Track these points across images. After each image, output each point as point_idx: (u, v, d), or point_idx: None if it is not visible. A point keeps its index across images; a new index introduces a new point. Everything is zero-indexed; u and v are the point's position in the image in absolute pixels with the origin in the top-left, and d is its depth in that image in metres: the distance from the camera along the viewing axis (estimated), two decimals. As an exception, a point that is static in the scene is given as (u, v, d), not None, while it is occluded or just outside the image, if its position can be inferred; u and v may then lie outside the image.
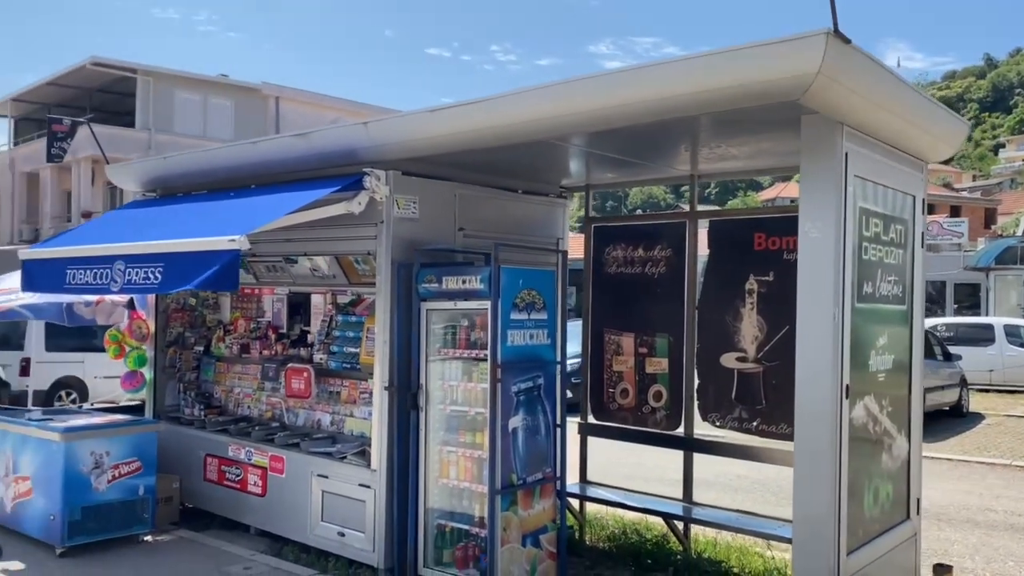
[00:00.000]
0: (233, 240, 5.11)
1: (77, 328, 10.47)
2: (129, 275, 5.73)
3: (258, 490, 6.86)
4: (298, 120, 32.44)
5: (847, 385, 4.51)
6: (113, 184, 17.10)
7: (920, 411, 5.53)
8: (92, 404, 14.81)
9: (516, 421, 5.59)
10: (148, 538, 6.89)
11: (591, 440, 7.25)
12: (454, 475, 5.76)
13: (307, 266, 6.90)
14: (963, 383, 16.10)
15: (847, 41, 3.80)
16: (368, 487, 6.00)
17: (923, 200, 5.53)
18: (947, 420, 15.09)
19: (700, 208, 6.85)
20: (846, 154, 4.45)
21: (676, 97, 4.17)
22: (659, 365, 6.81)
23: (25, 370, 14.61)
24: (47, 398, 14.27)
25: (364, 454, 6.16)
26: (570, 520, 7.27)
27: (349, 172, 5.91)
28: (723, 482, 8.84)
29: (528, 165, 6.58)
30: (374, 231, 5.97)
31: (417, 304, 5.86)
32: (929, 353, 15.20)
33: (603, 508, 7.30)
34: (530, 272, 5.73)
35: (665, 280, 6.76)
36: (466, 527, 5.68)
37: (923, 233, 5.53)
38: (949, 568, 3.56)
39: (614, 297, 7.06)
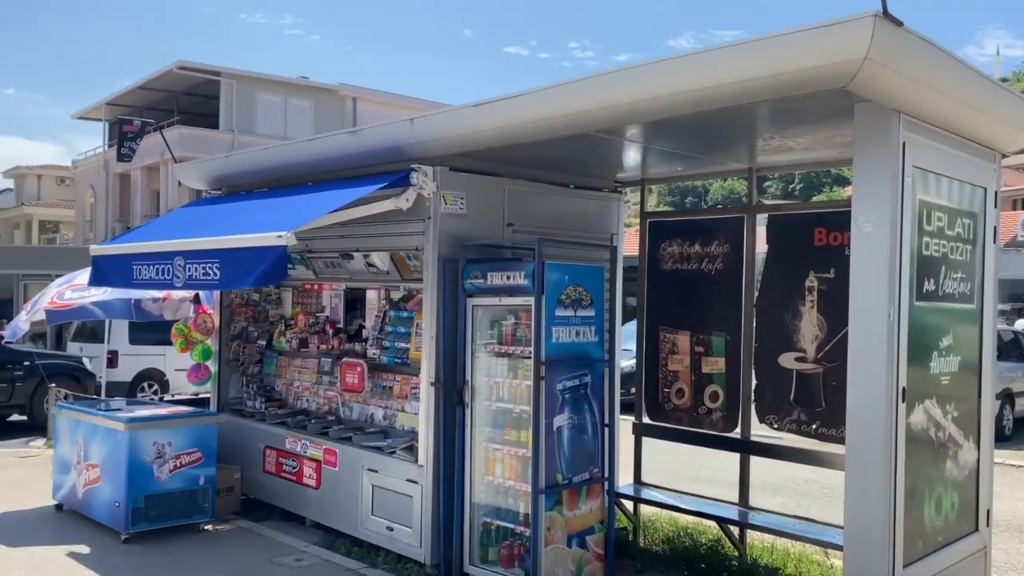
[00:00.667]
0: (281, 236, 5.18)
1: (159, 323, 10.87)
2: (189, 271, 5.88)
3: (313, 482, 6.97)
4: (374, 120, 32.93)
5: (904, 388, 4.26)
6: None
7: (991, 417, 5.21)
8: (172, 396, 15.40)
9: (561, 420, 5.50)
10: (208, 527, 7.07)
11: (651, 441, 7.10)
12: (499, 473, 5.71)
13: (362, 262, 6.96)
14: (1059, 387, 15.19)
15: (899, 24, 3.58)
16: (415, 482, 6.02)
17: (996, 193, 5.19)
18: (1041, 426, 14.29)
19: (760, 203, 6.60)
20: (904, 144, 4.20)
21: (718, 87, 4.01)
22: (716, 365, 6.61)
23: (112, 362, 15.30)
24: (130, 389, 14.89)
25: (412, 449, 6.18)
26: (623, 522, 7.16)
27: (397, 169, 5.93)
28: (791, 486, 8.54)
29: (579, 159, 6.48)
30: (422, 227, 5.98)
31: (463, 300, 5.82)
32: (1021, 356, 14.43)
33: (659, 510, 7.14)
34: (577, 268, 5.63)
35: (722, 277, 6.56)
36: (511, 526, 5.63)
37: (996, 228, 5.19)
38: None
39: (669, 294, 6.88)
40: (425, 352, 6.00)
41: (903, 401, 4.27)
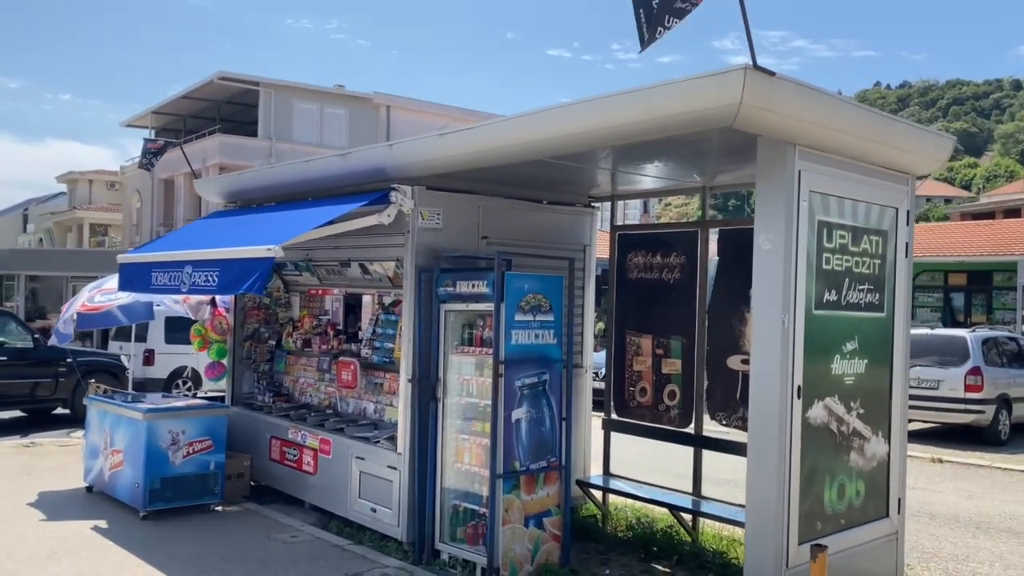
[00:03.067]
0: (270, 249, 5.94)
1: (194, 322, 11.77)
2: (194, 278, 6.68)
3: (310, 469, 7.73)
4: (407, 128, 33.95)
5: (799, 386, 4.85)
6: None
7: (903, 415, 5.74)
8: (205, 392, 16.37)
9: (520, 413, 6.16)
10: (218, 508, 7.87)
11: (622, 435, 7.70)
12: (467, 460, 6.39)
13: (358, 270, 7.69)
14: (1060, 393, 15.38)
15: (771, 74, 4.18)
16: (395, 468, 6.73)
17: (908, 212, 5.73)
18: (1039, 432, 14.55)
19: (711, 218, 7.19)
20: (799, 172, 4.80)
21: (628, 125, 4.66)
22: (673, 366, 7.21)
23: (148, 360, 16.36)
24: (166, 386, 15.89)
25: (394, 439, 6.89)
26: (592, 509, 7.80)
27: (380, 188, 6.65)
28: (740, 478, 9.06)
29: (553, 179, 7.13)
30: (403, 240, 6.69)
31: (437, 305, 6.52)
32: (1017, 360, 14.66)
33: (628, 499, 7.74)
34: (536, 277, 6.29)
35: (679, 285, 7.16)
36: (476, 507, 6.30)
37: (908, 244, 5.73)
38: (822, 547, 3.86)
39: (635, 301, 7.50)
40: (403, 352, 6.72)
41: (799, 398, 4.86)
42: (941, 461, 11.87)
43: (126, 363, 15.21)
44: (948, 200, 79.28)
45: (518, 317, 6.13)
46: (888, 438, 5.63)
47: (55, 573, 6.02)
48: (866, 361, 5.42)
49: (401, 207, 6.54)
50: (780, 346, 4.74)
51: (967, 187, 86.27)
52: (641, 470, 7.87)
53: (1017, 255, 28.16)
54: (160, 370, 16.07)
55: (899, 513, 5.72)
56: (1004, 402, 13.50)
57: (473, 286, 6.23)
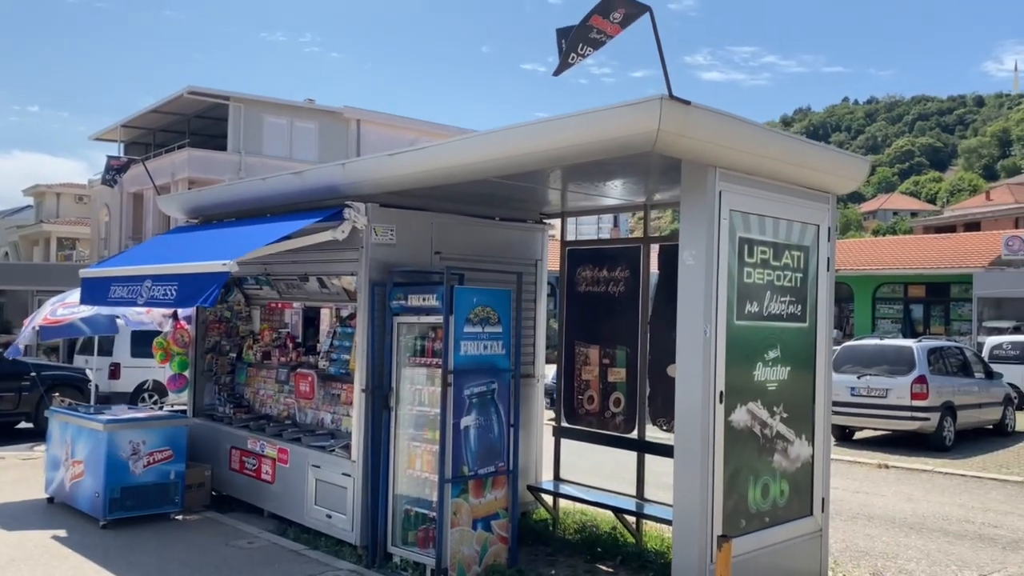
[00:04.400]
0: (225, 264, 6.19)
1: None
2: (152, 291, 6.90)
3: (269, 478, 7.94)
4: (377, 142, 34.23)
5: (721, 391, 5.19)
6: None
7: (825, 419, 6.10)
8: (172, 405, 16.46)
9: (468, 420, 6.45)
10: (179, 517, 8.05)
11: (573, 442, 7.99)
12: (419, 467, 6.66)
13: (316, 283, 7.95)
14: (1008, 402, 15.95)
15: (686, 103, 4.54)
16: (349, 475, 6.97)
17: (830, 229, 6.11)
18: (987, 438, 15.08)
19: (651, 235, 7.54)
20: (720, 192, 5.16)
21: (556, 149, 5.01)
22: (619, 375, 7.54)
23: (114, 373, 16.42)
24: (132, 399, 15.96)
25: (348, 448, 7.13)
26: (544, 514, 8.09)
27: (335, 204, 6.93)
28: None
29: (502, 197, 7.45)
30: (357, 255, 6.96)
31: (390, 318, 6.80)
32: (969, 371, 15.22)
33: (578, 503, 8.04)
34: (484, 291, 6.59)
35: (624, 298, 7.50)
36: (427, 512, 6.56)
37: (830, 259, 6.11)
38: (727, 538, 4.19)
39: (583, 312, 7.83)
40: (357, 363, 6.98)
41: (721, 402, 5.20)
42: (887, 467, 12.31)
43: (91, 376, 15.29)
44: (914, 214, 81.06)
45: (467, 329, 6.42)
46: (812, 441, 5.99)
47: (14, 579, 6.20)
48: (788, 368, 5.78)
49: (355, 223, 6.81)
50: (702, 354, 5.08)
51: (932, 200, 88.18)
52: (594, 476, 8.18)
53: (972, 267, 29.01)
54: (126, 384, 16.14)
55: (823, 512, 6.07)
56: (949, 409, 13.99)
57: (424, 299, 6.52)
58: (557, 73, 4.35)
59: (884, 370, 14.25)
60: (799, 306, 5.88)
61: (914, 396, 13.65)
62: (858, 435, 15.09)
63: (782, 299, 5.72)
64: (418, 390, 6.73)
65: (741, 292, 5.39)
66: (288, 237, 6.68)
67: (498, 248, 7.76)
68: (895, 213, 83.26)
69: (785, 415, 5.75)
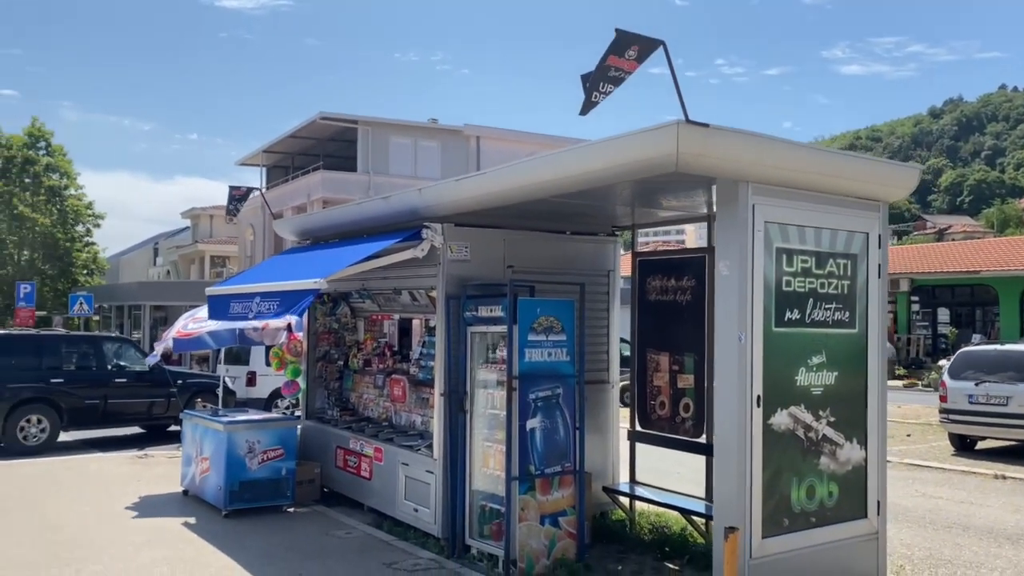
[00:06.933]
0: (316, 282, 6.97)
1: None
2: (260, 307, 7.80)
3: (367, 475, 8.70)
4: (496, 156, 35.24)
5: (759, 395, 5.44)
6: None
7: (878, 423, 6.18)
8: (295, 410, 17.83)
9: (534, 423, 6.93)
10: (290, 509, 8.95)
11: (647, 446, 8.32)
12: (492, 465, 7.20)
13: (408, 297, 8.66)
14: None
15: (704, 126, 4.87)
16: (432, 473, 7.60)
17: (880, 236, 6.20)
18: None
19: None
20: (753, 205, 5.42)
21: (592, 172, 5.46)
22: (687, 380, 7.81)
23: (251, 381, 17.95)
24: (266, 404, 17.39)
25: (432, 447, 7.77)
26: (621, 514, 8.44)
27: (415, 225, 7.60)
28: None
29: (572, 213, 7.90)
30: (435, 271, 7.60)
31: (464, 328, 7.39)
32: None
33: (652, 505, 8.33)
34: (547, 302, 7.06)
35: (691, 306, 7.77)
36: (499, 507, 7.08)
37: (880, 265, 6.20)
38: (733, 529, 4.41)
39: (653, 321, 8.14)
40: (437, 369, 7.61)
41: (759, 406, 5.44)
42: (1004, 477, 11.80)
43: (230, 384, 16.82)
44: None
45: (531, 337, 6.91)
46: (864, 444, 6.09)
47: (146, 556, 7.18)
48: (836, 373, 5.92)
49: (432, 242, 7.45)
50: (737, 360, 5.35)
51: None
52: (671, 479, 8.45)
53: None
54: (261, 390, 17.58)
55: (878, 515, 6.14)
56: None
57: (491, 311, 7.07)
58: (583, 113, 4.78)
59: (1006, 376, 13.60)
60: (847, 312, 6.01)
61: (1037, 404, 12.97)
62: (980, 445, 14.43)
63: (827, 306, 5.88)
64: (490, 394, 7.27)
65: (780, 300, 5.61)
66: (370, 258, 7.40)
67: (569, 260, 8.20)
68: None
69: (833, 419, 5.90)
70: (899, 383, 27.63)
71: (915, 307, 33.48)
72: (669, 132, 4.81)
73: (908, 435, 15.90)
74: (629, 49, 4.63)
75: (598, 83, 4.65)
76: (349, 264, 7.31)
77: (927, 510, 9.61)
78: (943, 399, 14.13)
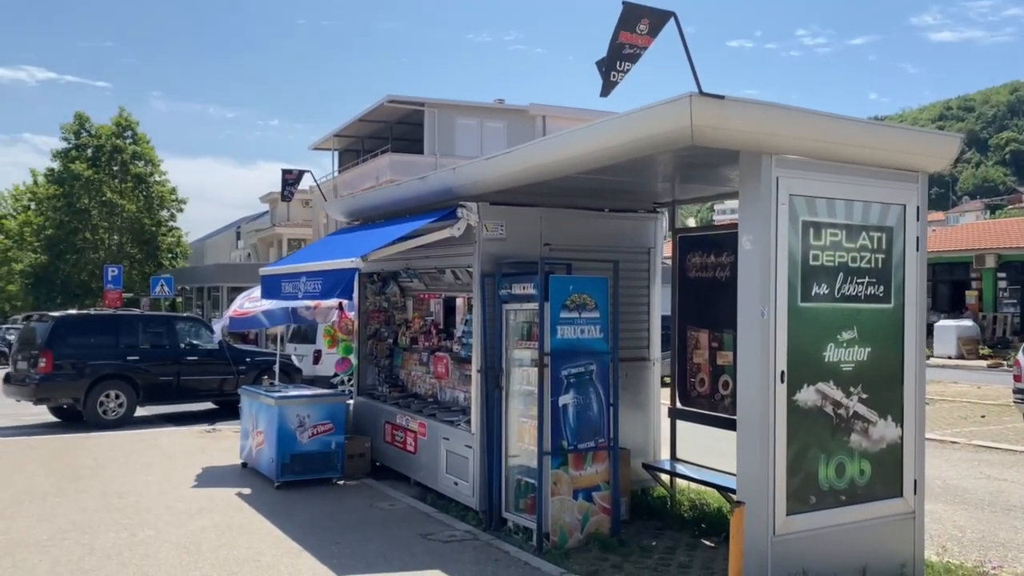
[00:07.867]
0: (354, 261, 7.15)
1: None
2: (305, 287, 8.05)
3: (412, 449, 8.91)
4: (562, 134, 35.12)
5: (783, 371, 5.36)
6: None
7: (915, 400, 6.00)
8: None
9: (567, 399, 6.97)
10: (340, 482, 9.24)
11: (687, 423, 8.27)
12: (527, 440, 7.28)
13: (451, 275, 8.79)
14: None
15: (720, 97, 4.79)
16: (470, 447, 7.74)
17: (919, 207, 5.99)
18: None
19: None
20: (776, 178, 5.32)
21: (611, 147, 5.43)
22: (726, 358, 7.71)
23: (317, 359, 18.51)
24: (333, 383, 17.92)
25: (470, 422, 7.90)
26: (662, 491, 8.42)
27: (451, 205, 7.70)
28: None
29: (610, 190, 7.88)
30: (471, 249, 7.69)
31: (499, 306, 7.47)
32: None
33: (692, 482, 8.29)
34: (580, 279, 7.08)
35: (729, 283, 7.60)
36: (534, 481, 7.17)
37: (919, 238, 5.99)
38: (740, 504, 4.36)
39: (693, 297, 8.06)
40: (475, 347, 7.72)
41: (783, 382, 5.36)
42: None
43: (297, 362, 17.38)
44: None
45: (563, 315, 6.94)
46: (900, 422, 5.92)
47: (198, 522, 7.55)
48: (869, 349, 5.77)
49: (468, 221, 7.54)
50: (760, 335, 5.28)
51: None
52: (714, 455, 8.38)
53: None
54: (326, 368, 18.11)
55: (915, 493, 5.98)
56: None
57: (524, 288, 7.12)
58: (604, 94, 4.76)
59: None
60: (881, 287, 5.84)
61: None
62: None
63: (859, 280, 5.73)
64: (525, 371, 7.34)
65: (807, 274, 5.50)
66: (405, 238, 7.54)
67: (608, 238, 8.18)
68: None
69: (865, 395, 5.76)
70: (983, 363, 26.55)
71: (1002, 284, 31.97)
72: (682, 105, 4.76)
73: (982, 416, 15.32)
74: (640, 23, 4.59)
75: (614, 62, 4.63)
76: (384, 244, 7.47)
77: (988, 492, 9.28)
78: (1016, 378, 13.56)
